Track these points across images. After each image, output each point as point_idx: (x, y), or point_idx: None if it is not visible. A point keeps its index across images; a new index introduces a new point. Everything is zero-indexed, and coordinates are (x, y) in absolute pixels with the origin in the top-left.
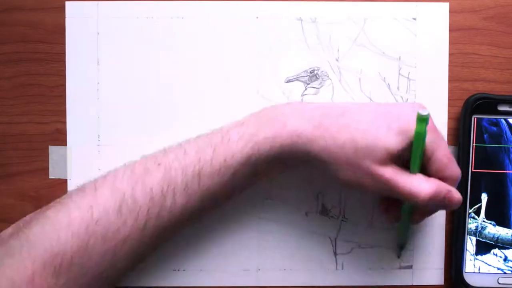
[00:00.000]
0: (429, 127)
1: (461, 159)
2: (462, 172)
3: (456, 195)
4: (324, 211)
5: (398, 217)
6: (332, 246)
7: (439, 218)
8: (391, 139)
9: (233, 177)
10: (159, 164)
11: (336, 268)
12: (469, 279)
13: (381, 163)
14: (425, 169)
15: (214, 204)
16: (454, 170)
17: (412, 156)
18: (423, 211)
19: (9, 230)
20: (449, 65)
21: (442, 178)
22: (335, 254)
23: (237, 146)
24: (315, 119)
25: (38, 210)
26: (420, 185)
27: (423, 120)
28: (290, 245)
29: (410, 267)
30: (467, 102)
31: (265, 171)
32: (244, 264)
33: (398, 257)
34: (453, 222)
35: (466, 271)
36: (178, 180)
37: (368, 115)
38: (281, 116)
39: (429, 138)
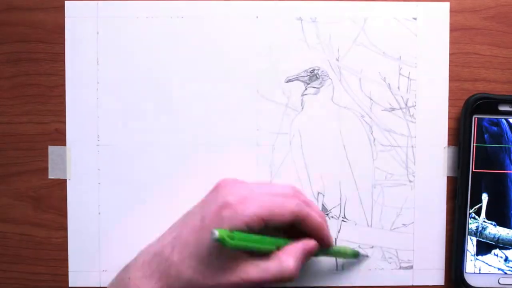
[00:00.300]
0: (239, 202)
1: (462, 159)
2: (463, 172)
3: (311, 243)
4: (324, 211)
5: (322, 254)
6: None
7: (440, 218)
8: (222, 248)
9: None
10: None
11: (336, 269)
12: (469, 280)
13: (231, 269)
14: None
15: None
16: (287, 211)
17: (250, 251)
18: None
19: None
20: (449, 65)
21: (293, 222)
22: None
23: None
24: (156, 271)
25: None
26: (278, 268)
27: (221, 241)
28: None
29: (411, 267)
30: (467, 102)
31: None
32: None
33: (367, 256)
34: (454, 222)
35: (466, 272)
36: None
37: (191, 235)
38: (128, 283)
39: (246, 214)
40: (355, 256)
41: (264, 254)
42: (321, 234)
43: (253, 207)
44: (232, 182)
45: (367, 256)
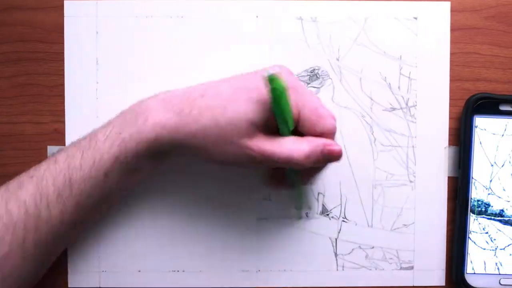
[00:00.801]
0: (290, 87)
1: (462, 159)
2: (464, 172)
3: (335, 146)
4: (325, 212)
5: (289, 184)
6: (333, 246)
7: (440, 219)
8: (252, 109)
9: (106, 178)
10: (31, 177)
11: (337, 269)
12: (470, 280)
13: (248, 135)
14: (298, 131)
15: (94, 208)
16: (326, 124)
17: (277, 120)
18: (309, 171)
19: None
20: (450, 65)
21: (317, 135)
22: (336, 254)
23: (104, 147)
24: (176, 107)
25: None
26: (292, 147)
27: (272, 80)
28: (290, 246)
29: (411, 268)
30: (468, 102)
31: (139, 168)
32: (244, 265)
33: (299, 218)
34: (454, 222)
35: (467, 272)
36: (50, 190)
37: (227, 90)
38: (145, 110)
39: (292, 98)
40: (299, 207)
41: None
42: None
43: (304, 100)
44: (289, 71)
45: (300, 218)
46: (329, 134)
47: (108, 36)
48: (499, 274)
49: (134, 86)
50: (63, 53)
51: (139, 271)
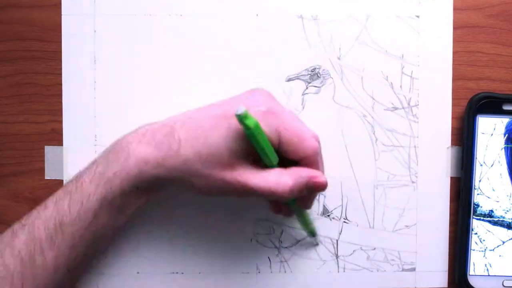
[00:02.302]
0: (270, 112)
1: (465, 159)
2: (467, 173)
3: (320, 178)
4: (325, 213)
5: (290, 210)
6: (334, 248)
7: (443, 220)
8: (233, 137)
9: (96, 219)
10: (23, 225)
11: (338, 271)
12: (473, 282)
13: (231, 167)
14: (282, 156)
15: (88, 249)
16: (308, 146)
17: (259, 153)
18: (302, 199)
19: None
20: (453, 64)
21: (301, 159)
22: (337, 256)
23: (90, 188)
24: (157, 140)
25: None
26: (275, 180)
27: (242, 118)
28: (291, 247)
29: (413, 269)
30: (471, 101)
31: (127, 204)
32: (244, 266)
33: (317, 245)
34: (457, 223)
35: (470, 274)
36: (42, 236)
37: (207, 120)
38: (126, 147)
39: (269, 124)
40: (312, 234)
41: (265, 168)
42: (312, 165)
43: (284, 123)
44: (269, 94)
45: (317, 244)
46: (313, 155)
47: (106, 34)
48: (503, 275)
49: (132, 85)
50: (60, 52)
51: (138, 273)
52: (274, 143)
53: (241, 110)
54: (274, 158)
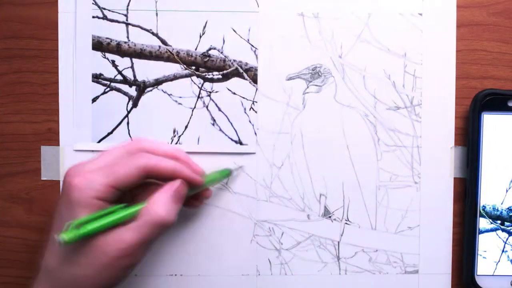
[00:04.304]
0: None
1: (470, 158)
2: (473, 172)
3: (174, 185)
4: (327, 214)
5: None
6: (335, 250)
7: (446, 221)
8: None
9: None
10: None
11: (340, 273)
12: (480, 282)
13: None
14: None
15: None
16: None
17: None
18: (194, 195)
19: None
20: (456, 62)
21: (171, 174)
22: (338, 258)
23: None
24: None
25: None
26: (153, 217)
27: (66, 241)
28: (292, 249)
29: (416, 272)
30: (476, 99)
31: None
32: (244, 268)
33: (238, 170)
34: (464, 223)
35: (477, 274)
36: None
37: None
38: None
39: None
40: (229, 174)
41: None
42: (182, 176)
43: (97, 177)
44: (72, 166)
45: (240, 167)
46: (177, 158)
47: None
48: (510, 275)
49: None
50: (57, 50)
51: (136, 275)
52: (113, 193)
53: (60, 239)
54: (133, 210)
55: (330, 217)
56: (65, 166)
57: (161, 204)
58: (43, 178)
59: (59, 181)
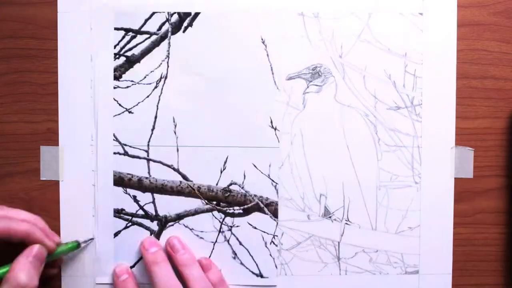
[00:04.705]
0: None
1: None
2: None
3: (33, 250)
4: (327, 214)
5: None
6: (335, 250)
7: (447, 221)
8: None
9: None
10: None
11: (340, 274)
12: None
13: None
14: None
15: None
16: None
17: None
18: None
19: None
20: (457, 62)
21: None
22: (339, 258)
23: None
24: None
25: None
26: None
27: None
28: (292, 250)
29: (417, 272)
30: None
31: None
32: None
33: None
34: (510, 223)
35: None
36: None
37: None
38: None
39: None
40: (78, 247)
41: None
42: (35, 237)
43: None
44: None
45: (91, 239)
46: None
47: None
48: None
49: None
50: (56, 50)
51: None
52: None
53: None
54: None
55: (330, 217)
56: (64, 166)
57: (22, 271)
58: (42, 178)
59: (58, 181)
